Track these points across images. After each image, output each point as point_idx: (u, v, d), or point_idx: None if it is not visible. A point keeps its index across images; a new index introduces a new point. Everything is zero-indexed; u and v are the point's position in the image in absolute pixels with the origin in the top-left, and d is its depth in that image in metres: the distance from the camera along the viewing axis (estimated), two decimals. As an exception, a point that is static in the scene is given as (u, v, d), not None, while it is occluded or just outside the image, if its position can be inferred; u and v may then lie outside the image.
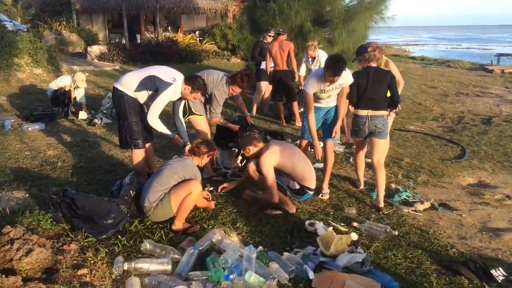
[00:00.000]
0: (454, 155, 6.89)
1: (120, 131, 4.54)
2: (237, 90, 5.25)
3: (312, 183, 4.61)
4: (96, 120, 7.61)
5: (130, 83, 4.38)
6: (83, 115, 7.90)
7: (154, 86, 4.35)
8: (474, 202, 5.11)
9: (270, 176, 4.36)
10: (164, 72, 4.44)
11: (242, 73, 5.22)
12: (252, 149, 4.52)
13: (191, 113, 5.18)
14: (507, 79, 16.61)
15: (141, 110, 4.55)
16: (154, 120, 4.38)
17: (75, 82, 8.03)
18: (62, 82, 7.98)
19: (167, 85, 4.33)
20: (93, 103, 8.51)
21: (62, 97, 7.73)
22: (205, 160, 4.41)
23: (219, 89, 5.13)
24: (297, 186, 4.56)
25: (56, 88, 7.89)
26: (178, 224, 3.97)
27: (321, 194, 4.98)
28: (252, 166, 4.48)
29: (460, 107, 10.75)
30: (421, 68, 19.65)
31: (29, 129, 7.06)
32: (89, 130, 7.28)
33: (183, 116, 5.19)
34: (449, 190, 5.46)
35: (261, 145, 4.56)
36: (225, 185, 4.85)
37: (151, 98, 4.41)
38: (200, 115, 5.25)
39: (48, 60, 11.41)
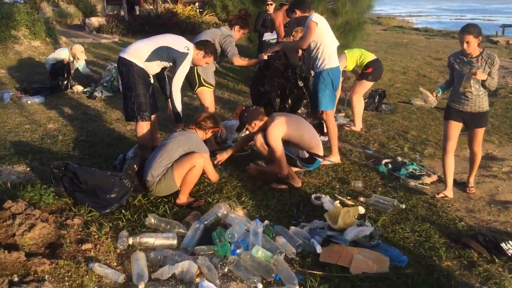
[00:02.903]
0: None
1: (126, 103, 4.42)
2: (245, 30, 5.16)
3: (320, 151, 4.56)
4: (96, 93, 7.47)
5: (140, 53, 4.26)
6: (80, 88, 7.76)
7: (170, 57, 4.31)
8: (481, 174, 5.04)
9: (279, 148, 4.27)
10: (176, 42, 4.38)
11: (239, 14, 5.22)
12: (258, 124, 4.40)
13: (201, 84, 5.01)
14: (512, 50, 16.36)
15: (149, 81, 4.45)
16: (177, 92, 4.42)
17: (74, 55, 7.87)
18: (60, 54, 7.81)
19: (184, 55, 4.31)
20: (90, 77, 8.34)
21: (61, 70, 7.58)
22: (208, 135, 4.30)
23: (225, 38, 4.95)
24: (307, 155, 4.50)
25: (55, 61, 7.72)
26: (183, 198, 3.90)
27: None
28: (259, 139, 4.37)
29: (466, 79, 10.58)
30: (425, 39, 19.32)
31: (29, 102, 6.94)
32: (89, 104, 7.15)
33: (193, 88, 5.06)
34: (456, 163, 5.32)
35: (265, 118, 4.45)
36: (219, 157, 4.65)
37: (164, 68, 4.44)
38: (210, 87, 5.09)
39: (46, 32, 11.17)
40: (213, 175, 4.20)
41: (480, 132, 4.35)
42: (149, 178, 3.84)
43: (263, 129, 4.36)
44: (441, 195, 4.37)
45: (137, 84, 4.25)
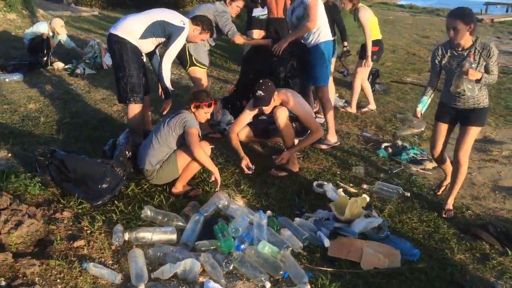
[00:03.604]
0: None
1: (119, 84, 4.08)
2: (239, 3, 4.78)
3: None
4: (78, 71, 7.05)
5: (134, 30, 3.93)
6: (61, 65, 7.32)
7: (165, 32, 3.98)
8: (482, 159, 4.95)
9: (307, 112, 4.13)
10: (172, 16, 4.04)
11: None
12: (276, 98, 4.00)
13: (193, 64, 4.72)
14: (497, 28, 16.36)
15: (141, 60, 4.15)
16: (167, 67, 4.09)
17: (53, 30, 7.40)
18: (39, 29, 7.33)
19: (180, 30, 3.96)
20: (74, 52, 7.90)
21: (40, 46, 7.11)
22: (201, 114, 3.80)
23: (221, 14, 4.61)
24: None
25: (33, 36, 7.26)
26: (179, 187, 3.66)
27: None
28: (285, 113, 3.97)
29: (455, 58, 10.46)
30: (411, 16, 19.14)
31: (7, 80, 6.50)
32: (71, 82, 6.74)
33: (184, 68, 4.80)
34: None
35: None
36: (247, 162, 4.03)
37: (157, 46, 4.13)
38: (203, 67, 4.79)
39: (22, 5, 10.56)
40: (198, 152, 3.47)
41: (472, 132, 3.49)
42: (148, 167, 3.58)
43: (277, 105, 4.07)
44: (442, 189, 4.02)
45: (130, 63, 3.93)
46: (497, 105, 6.91)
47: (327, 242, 3.10)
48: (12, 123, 4.96)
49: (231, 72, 7.89)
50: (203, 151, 3.53)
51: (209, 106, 3.75)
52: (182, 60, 4.71)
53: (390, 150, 4.87)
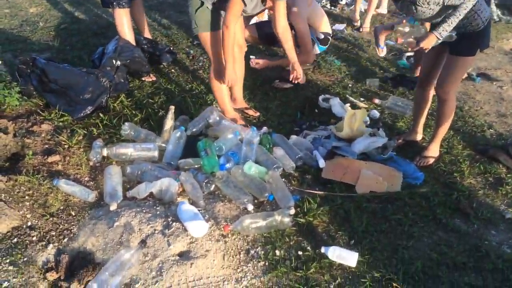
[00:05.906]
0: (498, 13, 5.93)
1: None
2: None
3: (328, 28, 4.04)
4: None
5: None
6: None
7: None
8: (518, 71, 4.42)
9: (307, 31, 3.73)
10: None
11: None
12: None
13: None
14: None
15: None
16: None
17: None
18: None
19: None
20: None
21: None
22: None
23: None
24: (322, 36, 3.93)
25: None
26: None
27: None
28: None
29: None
30: None
31: (12, -18, 6.19)
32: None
33: None
34: (490, 56, 4.71)
35: None
36: (258, 61, 3.95)
37: None
38: None
39: None
40: (226, 30, 2.76)
41: (457, 63, 2.65)
42: None
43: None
44: (400, 141, 3.16)
45: None
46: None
47: (322, 163, 2.84)
48: (9, 28, 4.74)
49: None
50: (232, 32, 2.76)
51: None
52: None
53: (413, 60, 4.40)
